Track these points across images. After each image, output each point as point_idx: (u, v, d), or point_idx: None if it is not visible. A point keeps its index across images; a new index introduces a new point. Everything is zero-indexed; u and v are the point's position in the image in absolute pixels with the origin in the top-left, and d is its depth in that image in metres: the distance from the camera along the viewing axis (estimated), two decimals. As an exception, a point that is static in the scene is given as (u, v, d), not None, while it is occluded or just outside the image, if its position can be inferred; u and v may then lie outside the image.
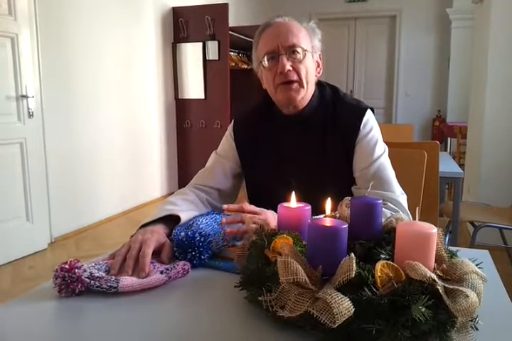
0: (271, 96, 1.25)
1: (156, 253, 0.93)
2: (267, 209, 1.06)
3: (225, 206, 1.01)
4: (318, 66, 1.25)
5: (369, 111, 1.24)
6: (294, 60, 1.16)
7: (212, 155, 1.36)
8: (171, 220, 1.06)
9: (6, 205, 2.95)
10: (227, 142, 1.34)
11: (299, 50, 1.16)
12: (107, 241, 3.40)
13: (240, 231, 0.96)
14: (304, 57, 1.16)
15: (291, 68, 1.15)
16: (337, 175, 1.22)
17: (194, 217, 1.11)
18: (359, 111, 1.23)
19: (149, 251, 0.90)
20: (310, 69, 1.19)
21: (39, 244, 3.19)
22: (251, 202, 1.35)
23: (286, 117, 1.25)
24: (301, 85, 1.18)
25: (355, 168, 1.22)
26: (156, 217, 1.05)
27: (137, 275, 0.84)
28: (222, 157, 1.33)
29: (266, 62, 1.18)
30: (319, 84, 1.29)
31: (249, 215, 0.99)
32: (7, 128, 2.94)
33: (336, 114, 1.23)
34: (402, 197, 1.19)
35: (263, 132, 1.29)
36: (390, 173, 1.21)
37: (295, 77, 1.17)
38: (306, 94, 1.21)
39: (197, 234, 0.93)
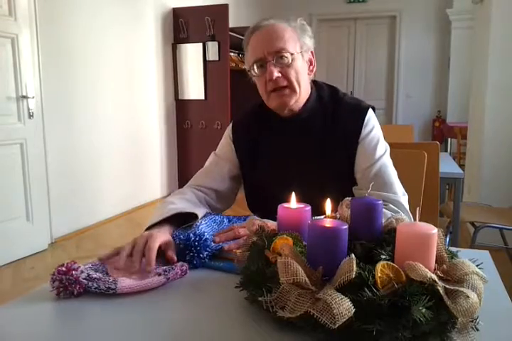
0: (265, 102, 1.24)
1: (160, 254, 0.93)
2: (266, 211, 1.05)
3: (217, 239, 0.99)
4: (311, 64, 1.24)
5: (370, 110, 1.24)
6: (281, 65, 1.14)
7: (211, 156, 1.35)
8: (174, 220, 1.05)
9: (6, 206, 2.95)
10: (226, 143, 1.34)
11: (286, 54, 1.14)
12: (108, 242, 3.40)
13: (237, 246, 0.94)
14: (293, 60, 1.15)
15: (279, 74, 1.14)
16: (337, 176, 1.21)
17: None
18: (360, 110, 1.22)
19: (155, 245, 0.89)
20: (301, 71, 1.18)
21: (39, 244, 3.19)
22: (249, 204, 1.35)
23: (284, 119, 1.24)
24: (292, 90, 1.17)
25: (356, 169, 1.21)
26: (160, 217, 1.04)
27: (141, 275, 0.84)
28: (221, 158, 1.32)
29: (255, 70, 1.18)
30: (316, 84, 1.28)
31: (249, 219, 0.99)
32: (7, 128, 2.94)
33: (337, 114, 1.22)
34: (403, 198, 1.18)
35: (262, 134, 1.28)
36: (392, 173, 1.21)
37: (285, 83, 1.16)
38: (300, 96, 1.20)
39: (191, 235, 0.93)
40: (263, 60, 1.15)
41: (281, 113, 1.23)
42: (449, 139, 5.87)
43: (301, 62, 1.19)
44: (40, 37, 3.15)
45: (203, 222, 1.06)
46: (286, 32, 1.16)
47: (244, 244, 0.84)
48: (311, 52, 1.23)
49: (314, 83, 1.27)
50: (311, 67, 1.24)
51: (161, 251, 0.93)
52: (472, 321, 0.62)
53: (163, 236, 0.95)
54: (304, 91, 1.21)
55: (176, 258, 0.92)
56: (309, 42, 1.21)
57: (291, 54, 1.15)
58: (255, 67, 1.17)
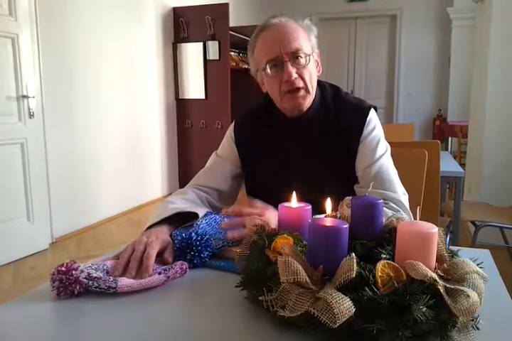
0: (275, 103, 1.23)
1: (160, 254, 0.93)
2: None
3: (229, 235, 0.98)
4: (318, 65, 1.24)
5: (372, 110, 1.24)
6: (298, 65, 1.14)
7: (212, 156, 1.35)
8: (174, 220, 1.06)
9: (7, 205, 2.95)
10: (227, 143, 1.34)
11: (302, 55, 1.14)
12: (108, 242, 3.40)
13: (240, 235, 0.95)
14: (308, 61, 1.15)
15: (297, 75, 1.13)
16: (339, 176, 1.22)
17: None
18: (362, 110, 1.22)
19: (154, 252, 0.90)
20: (313, 72, 1.18)
21: (40, 244, 3.19)
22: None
23: (287, 119, 1.24)
24: (307, 91, 1.17)
25: (357, 168, 1.21)
26: (160, 217, 1.05)
27: (140, 277, 0.84)
28: (222, 158, 1.32)
29: (269, 71, 1.15)
30: (320, 84, 1.28)
31: (249, 217, 0.99)
32: (8, 128, 2.94)
33: (339, 114, 1.22)
34: (404, 197, 1.18)
35: (264, 133, 1.28)
36: (392, 173, 1.21)
37: (301, 84, 1.15)
38: (312, 98, 1.21)
39: (193, 234, 0.94)
40: (279, 60, 1.13)
41: (290, 113, 1.23)
42: (450, 138, 5.86)
43: (313, 64, 1.19)
44: (40, 36, 3.15)
45: (204, 221, 1.06)
46: (299, 32, 1.16)
47: (246, 235, 0.84)
48: (318, 53, 1.23)
49: (317, 83, 1.27)
50: (318, 68, 1.24)
51: (160, 252, 0.94)
52: (473, 320, 0.62)
53: (161, 240, 0.95)
54: (315, 93, 1.21)
55: (171, 260, 0.92)
56: (315, 42, 1.22)
57: (307, 55, 1.14)
58: (268, 67, 1.15)
